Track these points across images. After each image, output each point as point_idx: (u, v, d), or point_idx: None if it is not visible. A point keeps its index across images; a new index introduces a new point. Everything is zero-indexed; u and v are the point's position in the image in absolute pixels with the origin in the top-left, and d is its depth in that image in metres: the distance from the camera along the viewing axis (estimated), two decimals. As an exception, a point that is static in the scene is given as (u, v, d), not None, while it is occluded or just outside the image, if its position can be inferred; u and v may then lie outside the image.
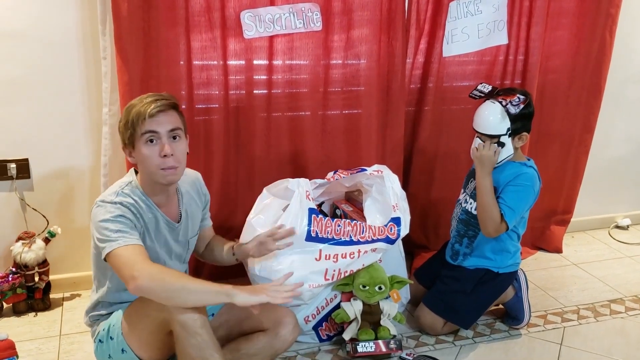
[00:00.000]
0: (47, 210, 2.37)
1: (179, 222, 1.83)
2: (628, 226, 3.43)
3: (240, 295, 1.54)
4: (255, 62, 2.35)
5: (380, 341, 2.09)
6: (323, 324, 2.21)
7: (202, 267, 2.51)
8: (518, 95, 2.11)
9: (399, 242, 2.27)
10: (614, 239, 3.30)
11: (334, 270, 2.07)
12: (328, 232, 2.07)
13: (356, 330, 2.12)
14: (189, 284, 1.56)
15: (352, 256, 2.07)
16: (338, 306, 2.18)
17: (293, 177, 2.16)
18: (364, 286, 2.11)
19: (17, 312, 2.34)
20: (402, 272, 2.34)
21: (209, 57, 2.29)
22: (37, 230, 2.36)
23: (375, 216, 2.19)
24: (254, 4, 2.27)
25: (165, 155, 1.64)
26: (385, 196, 2.20)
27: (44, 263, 2.35)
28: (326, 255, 2.06)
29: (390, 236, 2.13)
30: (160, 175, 1.67)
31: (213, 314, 1.87)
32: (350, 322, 2.14)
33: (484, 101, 2.16)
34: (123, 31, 2.11)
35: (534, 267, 2.92)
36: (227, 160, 2.46)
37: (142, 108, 1.63)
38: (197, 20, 2.23)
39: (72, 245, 2.45)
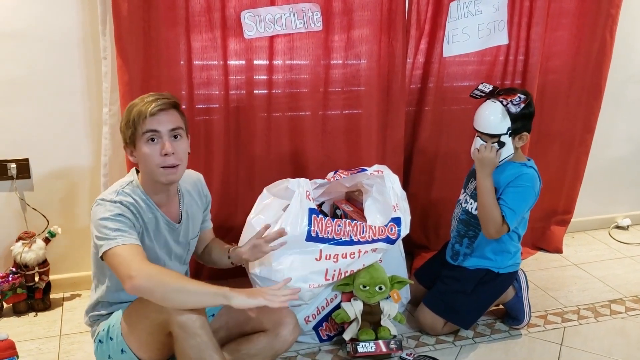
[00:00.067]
0: (48, 210, 2.37)
1: (179, 222, 1.83)
2: (628, 226, 3.43)
3: (238, 298, 1.54)
4: (255, 62, 2.35)
5: (380, 341, 2.09)
6: (323, 324, 2.21)
7: (202, 267, 2.50)
8: (519, 94, 2.11)
9: (399, 242, 2.27)
10: (614, 239, 3.30)
11: (335, 271, 2.07)
12: (328, 232, 2.07)
13: (356, 331, 2.12)
14: (186, 285, 1.55)
15: (352, 256, 2.07)
16: (338, 306, 2.17)
17: (293, 177, 2.16)
18: (364, 286, 2.11)
19: (17, 312, 2.34)
20: (402, 272, 2.34)
21: (209, 57, 2.29)
22: (38, 230, 2.36)
23: (375, 216, 2.19)
24: (254, 4, 2.27)
25: (166, 154, 1.64)
26: (386, 196, 2.20)
27: (44, 263, 2.35)
28: (326, 256, 2.06)
29: (390, 236, 2.13)
30: (160, 173, 1.67)
31: (213, 315, 1.87)
32: (351, 322, 2.14)
33: (485, 101, 2.16)
34: (123, 31, 2.11)
35: (534, 267, 2.92)
36: (227, 160, 2.46)
37: (143, 107, 1.63)
38: (198, 20, 2.23)
39: (72, 245, 2.45)
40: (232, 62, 2.33)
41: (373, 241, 2.10)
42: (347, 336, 2.12)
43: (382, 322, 2.13)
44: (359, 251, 2.08)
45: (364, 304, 2.13)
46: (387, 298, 2.16)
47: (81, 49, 2.23)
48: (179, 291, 1.53)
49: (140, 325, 1.67)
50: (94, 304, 1.82)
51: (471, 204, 2.27)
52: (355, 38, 2.44)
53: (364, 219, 2.20)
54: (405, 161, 2.75)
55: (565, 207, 3.16)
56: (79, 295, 2.49)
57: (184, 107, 2.24)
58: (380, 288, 2.12)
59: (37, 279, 2.34)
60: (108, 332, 1.74)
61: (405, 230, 2.17)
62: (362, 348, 2.07)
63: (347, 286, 2.15)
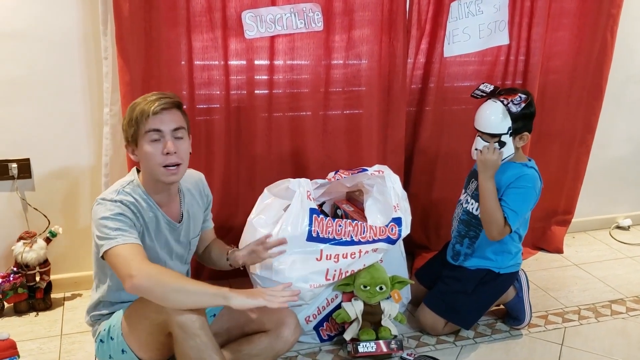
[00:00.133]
0: (49, 210, 2.37)
1: (180, 222, 1.83)
2: (629, 227, 3.43)
3: (237, 298, 1.54)
4: (256, 62, 2.35)
5: (381, 341, 2.09)
6: (324, 324, 2.21)
7: (203, 267, 2.50)
8: (519, 94, 2.11)
9: (400, 243, 2.27)
10: (615, 239, 3.30)
11: (335, 271, 2.07)
12: (329, 232, 2.07)
13: (357, 331, 2.12)
14: (186, 285, 1.55)
15: (353, 256, 2.07)
16: (339, 306, 2.17)
17: (294, 177, 2.16)
18: (365, 286, 2.11)
19: (18, 311, 2.34)
20: (403, 272, 2.34)
21: (210, 57, 2.29)
22: (39, 230, 2.36)
23: (376, 216, 2.19)
24: (255, 4, 2.27)
25: (168, 153, 1.64)
26: (386, 196, 2.20)
27: (45, 263, 2.35)
28: (327, 256, 2.06)
29: (391, 236, 2.13)
30: (162, 172, 1.67)
31: (214, 315, 1.87)
32: (351, 322, 2.14)
33: (486, 100, 2.16)
34: (124, 31, 2.11)
35: (535, 267, 2.92)
36: (228, 160, 2.46)
37: (146, 106, 1.63)
38: (198, 21, 2.23)
39: (73, 245, 2.45)
40: (233, 62, 2.33)
41: (374, 241, 2.10)
42: (347, 336, 2.12)
43: (382, 322, 2.13)
44: (360, 251, 2.08)
45: (365, 304, 2.13)
46: (387, 298, 2.16)
47: (82, 49, 2.23)
48: (179, 291, 1.53)
49: (140, 325, 1.67)
50: (95, 304, 1.82)
51: (472, 204, 2.27)
52: (356, 38, 2.44)
53: (364, 219, 2.20)
54: (406, 161, 2.75)
55: (565, 207, 3.16)
56: (80, 295, 2.49)
57: (184, 107, 2.24)
58: (381, 288, 2.12)
59: (38, 278, 2.35)
60: (109, 332, 1.74)
61: (406, 230, 2.17)
62: (362, 348, 2.07)
63: (347, 286, 2.15)
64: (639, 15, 2.99)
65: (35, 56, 2.19)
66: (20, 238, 2.33)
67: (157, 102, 1.63)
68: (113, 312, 1.79)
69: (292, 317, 1.85)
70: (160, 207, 1.75)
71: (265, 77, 2.40)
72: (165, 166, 1.66)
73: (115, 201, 1.64)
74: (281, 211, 2.12)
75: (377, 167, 2.31)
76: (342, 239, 2.08)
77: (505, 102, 2.09)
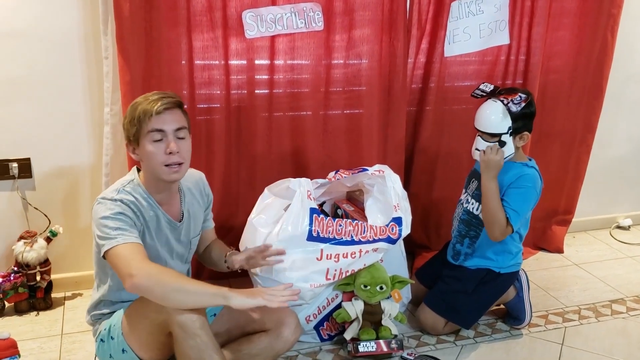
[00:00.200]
0: (49, 210, 2.37)
1: (180, 221, 1.83)
2: (629, 226, 3.43)
3: (237, 298, 1.54)
4: (256, 61, 2.35)
5: (381, 341, 2.09)
6: (324, 323, 2.21)
7: (203, 266, 2.49)
8: (519, 94, 2.11)
9: (400, 242, 2.27)
10: (615, 239, 3.30)
11: (335, 270, 2.07)
12: (329, 232, 2.07)
13: (357, 330, 2.12)
14: (185, 285, 1.55)
15: (353, 256, 2.07)
16: (339, 306, 2.18)
17: (294, 177, 2.16)
18: (365, 286, 2.11)
19: (18, 311, 2.35)
20: (403, 272, 2.34)
21: (211, 56, 2.29)
22: (39, 230, 2.36)
23: (376, 216, 2.19)
24: (255, 3, 2.27)
25: (170, 153, 1.65)
26: (387, 196, 2.20)
27: (45, 262, 2.35)
28: (327, 255, 2.06)
29: (391, 236, 2.13)
30: (164, 171, 1.67)
31: (215, 315, 1.87)
32: (352, 321, 2.14)
33: (486, 100, 2.16)
34: (125, 31, 2.11)
35: (535, 267, 2.92)
36: (228, 160, 2.46)
37: (148, 106, 1.63)
38: (199, 20, 2.23)
39: (73, 244, 2.45)
40: (233, 62, 2.33)
41: (374, 241, 2.10)
42: (348, 336, 2.12)
43: (383, 322, 2.13)
44: (360, 251, 2.08)
45: (365, 303, 2.13)
46: (388, 298, 2.16)
47: (82, 49, 2.23)
48: (178, 291, 1.53)
49: (140, 325, 1.67)
50: (95, 303, 1.83)
51: (472, 203, 2.27)
52: (357, 38, 2.44)
53: (365, 218, 2.20)
54: (406, 161, 2.75)
55: (566, 207, 3.16)
56: (81, 295, 2.49)
57: (185, 106, 2.24)
58: (381, 288, 2.12)
59: (38, 278, 2.35)
60: (109, 332, 1.74)
61: (406, 230, 2.17)
62: (363, 347, 2.07)
63: (348, 286, 2.15)
64: (639, 15, 2.99)
65: (35, 56, 2.19)
66: (21, 237, 2.33)
67: (159, 102, 1.63)
68: (114, 312, 1.79)
69: (293, 316, 1.85)
70: (161, 206, 1.75)
71: (266, 77, 2.40)
72: (167, 165, 1.66)
73: (116, 200, 1.64)
74: (281, 211, 2.12)
75: (377, 166, 2.32)
76: (342, 238, 2.08)
77: (505, 102, 2.09)
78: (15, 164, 2.28)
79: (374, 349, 2.07)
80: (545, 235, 3.13)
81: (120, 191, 1.68)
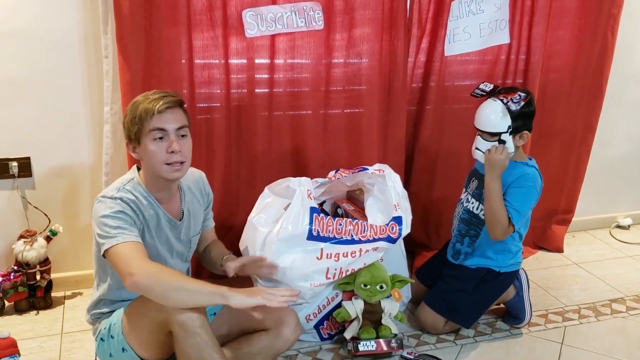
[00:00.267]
0: (49, 209, 2.37)
1: (180, 220, 1.83)
2: (629, 226, 3.43)
3: (236, 297, 1.54)
4: (256, 60, 2.35)
5: (381, 340, 2.09)
6: (324, 322, 2.21)
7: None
8: (519, 93, 2.11)
9: (401, 241, 2.27)
10: (615, 238, 3.30)
11: (336, 269, 2.07)
12: (329, 231, 2.07)
13: (357, 329, 2.12)
14: (185, 284, 1.55)
15: (353, 255, 2.07)
16: (339, 305, 2.18)
17: (294, 176, 2.16)
18: (365, 285, 2.11)
19: (18, 310, 2.35)
20: (403, 271, 2.35)
21: (211, 55, 2.29)
22: (39, 229, 2.36)
23: (376, 215, 2.19)
24: (255, 2, 2.27)
25: (172, 151, 1.65)
26: (387, 195, 2.20)
27: (45, 261, 2.35)
28: (327, 254, 2.06)
29: (391, 235, 2.13)
30: (165, 170, 1.67)
31: (215, 314, 1.87)
32: (352, 320, 2.14)
33: (486, 99, 2.16)
34: (125, 30, 2.11)
35: (535, 266, 2.92)
36: (228, 159, 2.46)
37: (149, 105, 1.63)
38: (199, 19, 2.23)
39: (73, 243, 2.45)
40: (233, 61, 2.33)
41: (374, 240, 2.10)
42: (348, 335, 2.12)
43: (383, 321, 2.13)
44: (360, 250, 2.08)
45: (365, 302, 2.13)
46: (388, 297, 2.16)
47: (82, 48, 2.23)
48: (178, 290, 1.53)
49: (140, 324, 1.67)
50: (95, 302, 1.82)
51: (473, 203, 2.27)
52: (357, 37, 2.44)
53: (365, 218, 2.20)
54: (406, 160, 2.75)
55: (566, 206, 3.16)
56: (81, 294, 2.49)
57: (185, 106, 2.24)
58: (381, 287, 2.12)
59: (38, 277, 2.35)
60: (109, 331, 1.74)
61: (406, 229, 2.17)
62: (363, 347, 2.07)
63: (348, 285, 2.15)
64: (639, 15, 2.99)
65: (35, 56, 2.19)
66: (21, 237, 2.33)
67: (161, 101, 1.63)
68: (114, 311, 1.79)
69: (293, 315, 1.85)
70: (161, 204, 1.75)
71: (266, 76, 2.40)
72: (168, 164, 1.66)
73: (116, 198, 1.64)
74: (282, 210, 2.12)
75: (377, 166, 2.31)
76: (342, 237, 2.08)
77: (505, 101, 2.09)
78: (15, 163, 2.28)
79: (374, 348, 2.07)
80: (545, 234, 3.13)
81: (120, 189, 1.67)
